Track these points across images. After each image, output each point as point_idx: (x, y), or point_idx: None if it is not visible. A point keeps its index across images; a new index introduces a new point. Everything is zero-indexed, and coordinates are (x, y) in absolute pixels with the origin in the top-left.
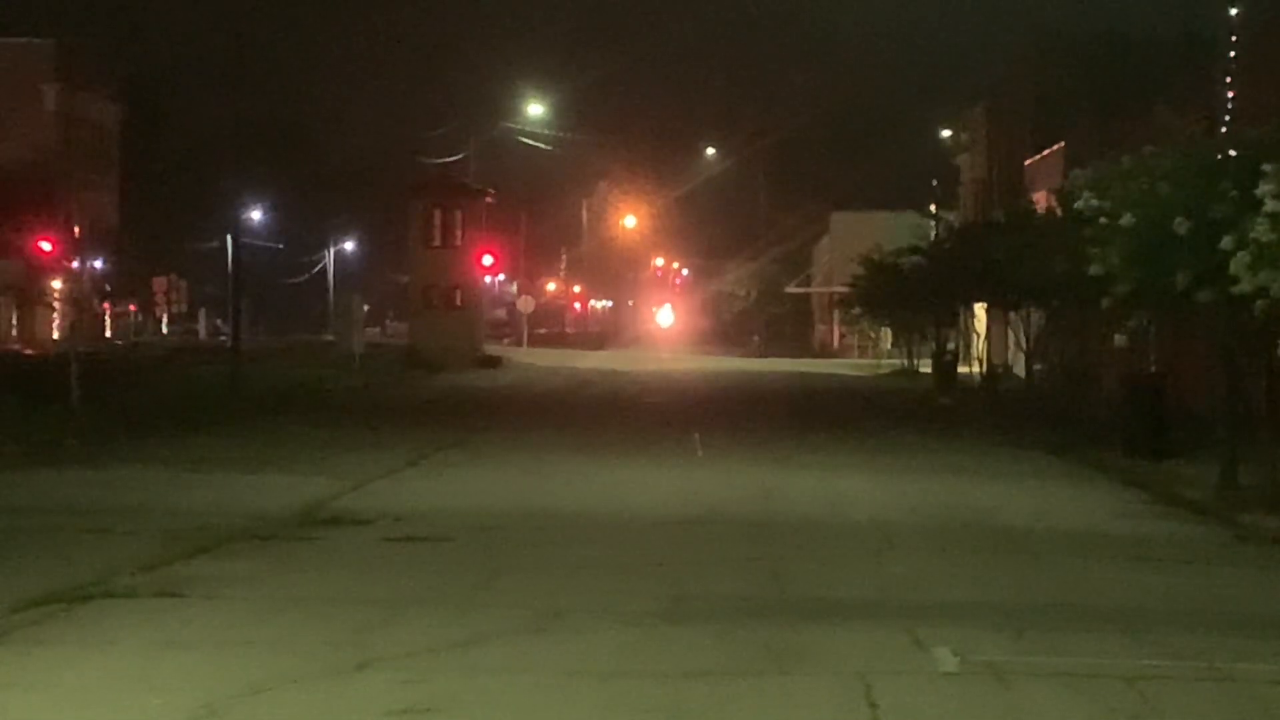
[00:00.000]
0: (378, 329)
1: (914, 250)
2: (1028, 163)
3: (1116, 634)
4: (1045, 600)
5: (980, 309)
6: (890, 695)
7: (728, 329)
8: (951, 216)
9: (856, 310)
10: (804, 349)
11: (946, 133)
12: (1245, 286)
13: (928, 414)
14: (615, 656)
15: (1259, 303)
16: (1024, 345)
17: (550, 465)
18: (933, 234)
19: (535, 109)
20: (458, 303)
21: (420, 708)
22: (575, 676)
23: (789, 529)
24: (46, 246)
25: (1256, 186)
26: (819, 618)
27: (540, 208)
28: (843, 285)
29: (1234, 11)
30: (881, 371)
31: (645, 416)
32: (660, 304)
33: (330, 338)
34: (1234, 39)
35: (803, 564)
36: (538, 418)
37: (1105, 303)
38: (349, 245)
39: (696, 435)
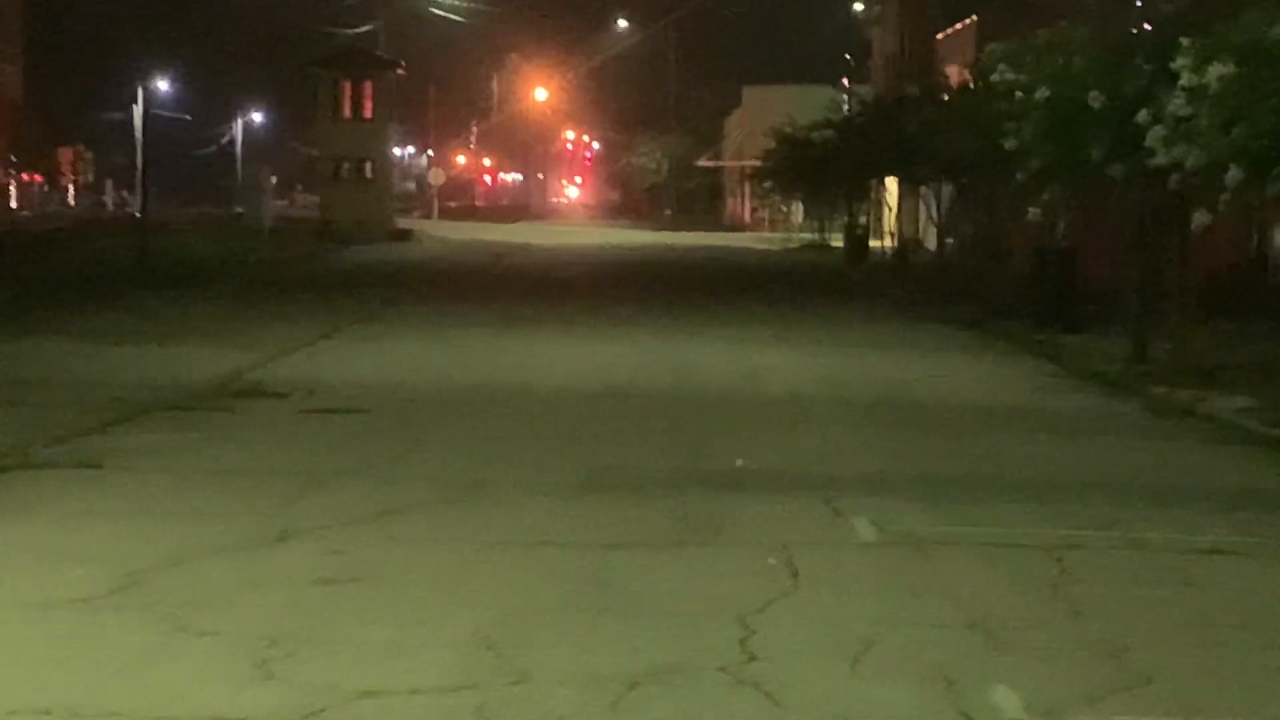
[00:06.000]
0: (286, 201)
1: (826, 124)
2: (940, 36)
3: (1032, 505)
4: (960, 472)
5: (892, 183)
6: (810, 565)
7: (639, 203)
8: (864, 90)
9: (768, 184)
10: (715, 223)
11: (859, 6)
12: (1160, 160)
13: (840, 288)
14: (535, 527)
15: (1173, 176)
16: (935, 219)
17: (465, 338)
18: (845, 108)
19: None
20: (368, 175)
21: (343, 577)
22: (496, 547)
23: (705, 402)
24: None
25: (1172, 60)
26: (737, 489)
27: (450, 80)
28: (754, 159)
29: None
30: (793, 245)
31: (558, 289)
32: (571, 177)
33: (239, 210)
34: None
35: (719, 437)
36: (451, 291)
37: (1020, 177)
38: (257, 117)
39: (610, 308)
